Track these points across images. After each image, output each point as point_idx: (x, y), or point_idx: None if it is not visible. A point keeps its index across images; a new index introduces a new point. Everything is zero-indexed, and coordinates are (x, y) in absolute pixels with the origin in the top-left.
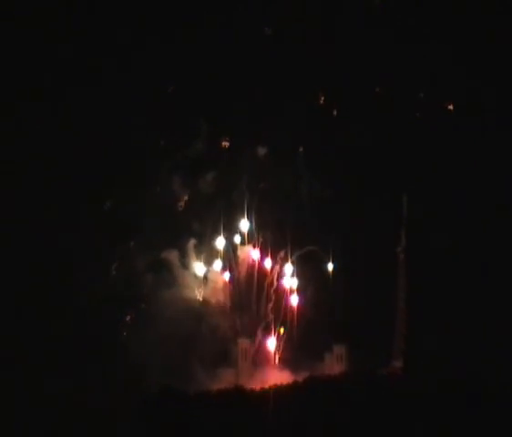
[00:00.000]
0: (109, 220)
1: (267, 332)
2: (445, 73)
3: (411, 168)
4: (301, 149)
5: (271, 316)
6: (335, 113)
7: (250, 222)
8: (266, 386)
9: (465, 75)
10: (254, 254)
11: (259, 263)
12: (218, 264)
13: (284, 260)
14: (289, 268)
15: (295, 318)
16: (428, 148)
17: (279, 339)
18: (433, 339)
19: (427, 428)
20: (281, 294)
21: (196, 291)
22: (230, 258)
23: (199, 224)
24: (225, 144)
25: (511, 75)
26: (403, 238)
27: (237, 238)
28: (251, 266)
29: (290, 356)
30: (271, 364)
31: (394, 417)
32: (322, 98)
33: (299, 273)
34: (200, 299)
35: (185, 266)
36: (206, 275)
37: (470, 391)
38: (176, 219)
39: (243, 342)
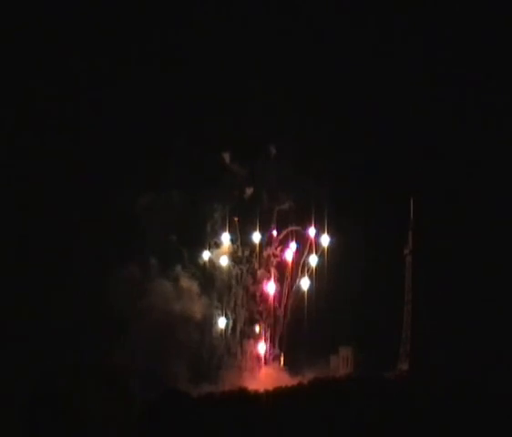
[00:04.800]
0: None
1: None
2: (447, 73)
3: (417, 171)
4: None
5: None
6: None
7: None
8: (270, 388)
9: (467, 75)
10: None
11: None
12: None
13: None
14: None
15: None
16: (434, 151)
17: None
18: (438, 342)
19: (433, 431)
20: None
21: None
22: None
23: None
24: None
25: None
26: (409, 241)
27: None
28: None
29: (295, 357)
30: (275, 366)
31: (400, 420)
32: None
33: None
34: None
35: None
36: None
37: (474, 393)
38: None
39: (249, 344)
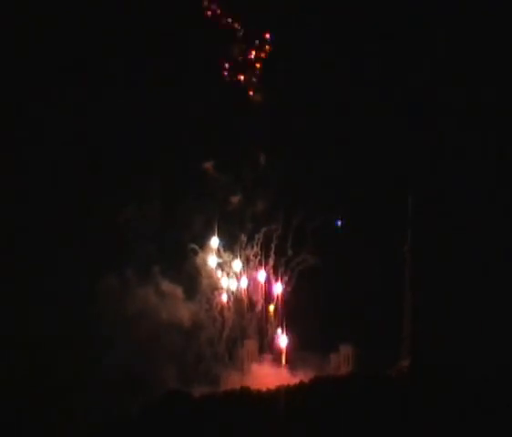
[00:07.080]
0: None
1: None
2: (446, 71)
3: (416, 169)
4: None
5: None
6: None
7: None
8: (272, 387)
9: (466, 74)
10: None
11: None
12: None
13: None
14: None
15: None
16: (433, 149)
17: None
18: (438, 339)
19: (434, 427)
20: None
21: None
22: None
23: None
24: None
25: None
26: (409, 238)
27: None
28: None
29: (296, 356)
30: (276, 364)
31: (401, 417)
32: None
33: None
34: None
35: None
36: None
37: (475, 390)
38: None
39: (249, 343)
